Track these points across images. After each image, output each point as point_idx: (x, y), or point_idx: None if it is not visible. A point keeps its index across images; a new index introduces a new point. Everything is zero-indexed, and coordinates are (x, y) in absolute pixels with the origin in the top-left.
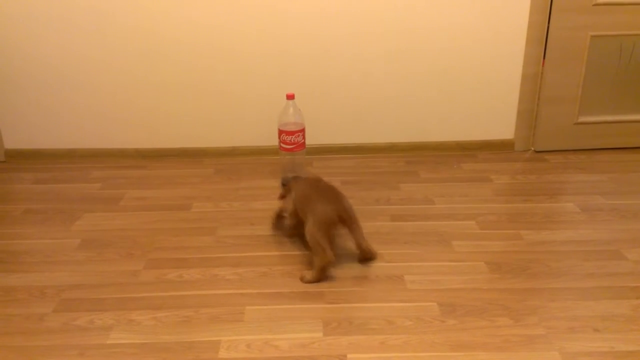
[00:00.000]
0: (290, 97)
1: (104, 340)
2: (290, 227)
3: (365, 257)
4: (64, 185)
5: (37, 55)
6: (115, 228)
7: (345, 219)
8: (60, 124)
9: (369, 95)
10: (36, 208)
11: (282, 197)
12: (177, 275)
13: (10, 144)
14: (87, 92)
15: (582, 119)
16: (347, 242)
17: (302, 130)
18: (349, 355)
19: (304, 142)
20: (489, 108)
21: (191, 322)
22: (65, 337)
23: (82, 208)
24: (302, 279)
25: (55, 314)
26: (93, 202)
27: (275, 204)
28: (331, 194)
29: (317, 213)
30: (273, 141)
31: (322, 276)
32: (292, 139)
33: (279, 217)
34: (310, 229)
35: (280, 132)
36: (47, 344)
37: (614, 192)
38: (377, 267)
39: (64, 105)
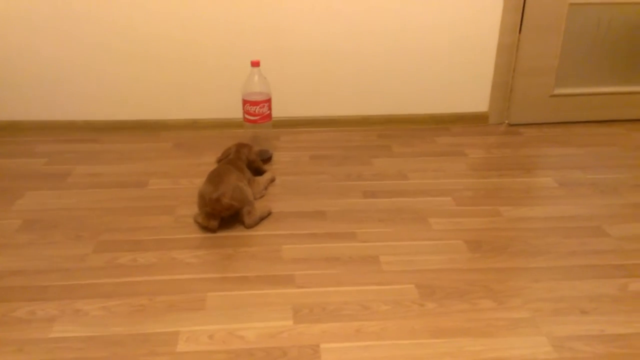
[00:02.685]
0: (255, 64)
1: (46, 334)
2: None
3: None
4: (5, 160)
5: None
6: (61, 207)
7: (229, 201)
8: (0, 93)
9: (339, 66)
10: None
11: None
12: (131, 259)
13: None
14: (32, 57)
15: (558, 91)
16: (319, 222)
17: (268, 101)
18: (322, 345)
19: (270, 114)
20: (463, 79)
21: (146, 312)
22: (2, 331)
23: (25, 185)
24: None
25: None
26: (37, 178)
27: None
28: (218, 178)
29: (200, 188)
30: (237, 113)
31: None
32: (256, 110)
33: None
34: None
35: (245, 102)
36: None
37: (592, 166)
38: (350, 247)
39: (5, 72)
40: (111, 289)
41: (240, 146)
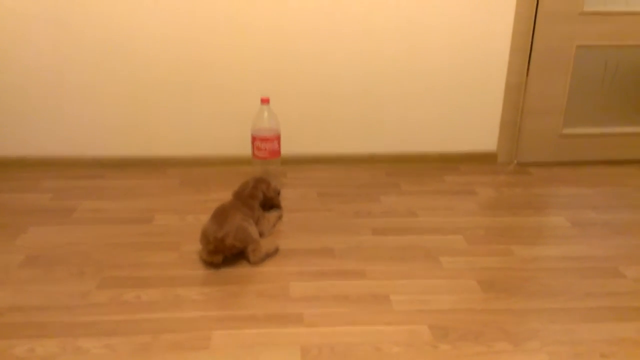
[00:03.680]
0: (265, 101)
1: None
2: None
3: None
4: (10, 195)
5: None
6: (65, 243)
7: (232, 242)
8: (8, 128)
9: (348, 104)
10: None
11: None
12: (135, 295)
13: None
14: (39, 93)
15: (567, 131)
16: (327, 260)
17: (278, 137)
18: None
19: (279, 150)
20: (472, 119)
21: (149, 350)
22: None
23: (29, 220)
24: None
25: None
26: (42, 214)
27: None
28: (223, 216)
29: (203, 226)
30: (244, 150)
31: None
32: (266, 146)
33: None
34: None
35: (254, 138)
36: None
37: (604, 206)
38: (359, 285)
39: (13, 108)
40: (114, 326)
41: (258, 181)
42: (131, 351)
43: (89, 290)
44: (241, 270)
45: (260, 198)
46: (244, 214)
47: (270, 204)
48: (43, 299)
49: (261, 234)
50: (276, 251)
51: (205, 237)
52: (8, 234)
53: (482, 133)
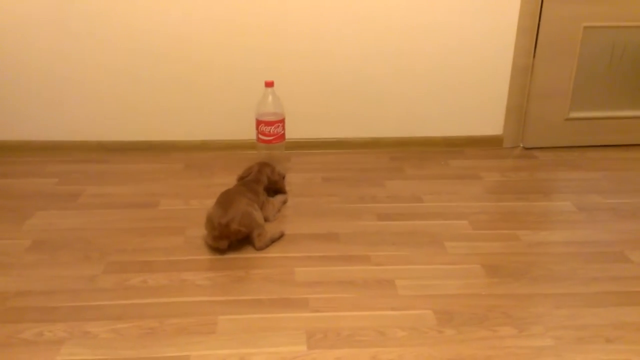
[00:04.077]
0: (269, 84)
1: (54, 356)
2: None
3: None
4: (15, 180)
5: None
6: (71, 227)
7: (237, 227)
8: (13, 112)
9: (352, 88)
10: None
11: None
12: (141, 280)
13: None
14: (43, 78)
15: (574, 114)
16: (332, 245)
17: (282, 121)
18: None
19: (283, 134)
20: (477, 102)
21: (156, 335)
22: (8, 353)
23: (35, 205)
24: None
25: None
26: (48, 198)
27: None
28: (228, 202)
29: (208, 211)
30: (249, 134)
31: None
32: (271, 130)
33: None
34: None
35: (259, 122)
36: None
37: (610, 191)
38: (365, 270)
39: (18, 93)
40: (121, 311)
41: (262, 166)
42: (138, 335)
43: (96, 275)
44: (246, 255)
45: (265, 183)
46: (248, 199)
47: (275, 188)
48: (50, 284)
49: (266, 219)
50: (281, 236)
51: (210, 223)
52: (15, 219)
53: (487, 117)
